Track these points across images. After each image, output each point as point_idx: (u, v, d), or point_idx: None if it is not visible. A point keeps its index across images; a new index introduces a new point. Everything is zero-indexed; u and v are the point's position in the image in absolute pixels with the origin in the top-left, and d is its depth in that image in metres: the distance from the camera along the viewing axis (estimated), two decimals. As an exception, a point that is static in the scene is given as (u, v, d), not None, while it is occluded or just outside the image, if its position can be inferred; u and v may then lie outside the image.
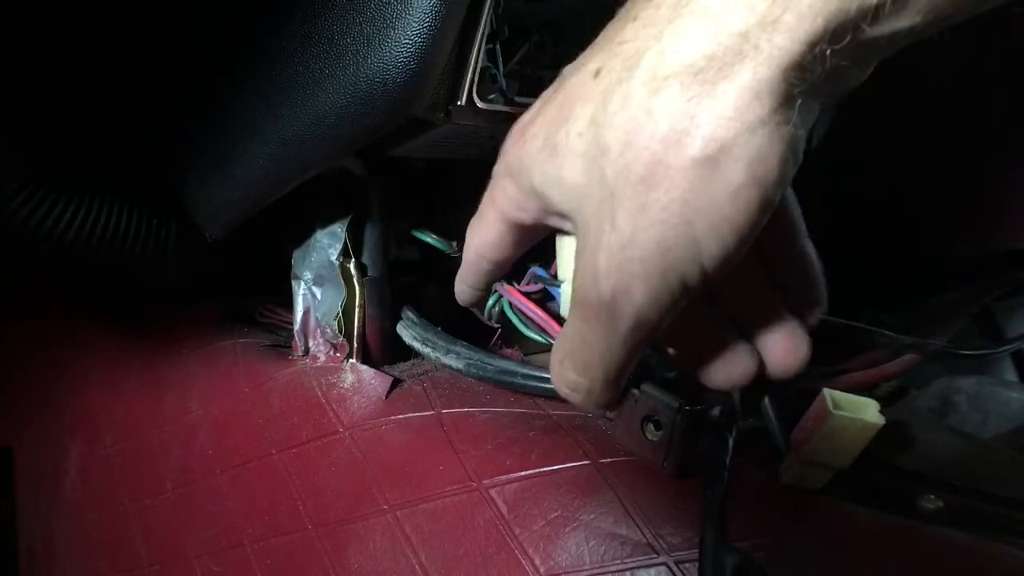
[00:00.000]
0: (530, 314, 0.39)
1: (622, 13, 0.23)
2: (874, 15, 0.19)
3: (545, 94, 0.26)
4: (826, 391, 0.29)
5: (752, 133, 0.20)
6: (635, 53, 0.21)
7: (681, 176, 0.20)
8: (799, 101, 0.20)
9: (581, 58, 0.25)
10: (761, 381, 0.28)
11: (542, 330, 0.39)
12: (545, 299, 0.39)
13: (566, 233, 0.29)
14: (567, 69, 0.26)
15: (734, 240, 0.21)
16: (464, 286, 0.34)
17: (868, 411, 0.28)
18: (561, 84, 0.25)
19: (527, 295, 0.39)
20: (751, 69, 0.19)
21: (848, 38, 0.19)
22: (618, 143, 0.21)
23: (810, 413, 0.29)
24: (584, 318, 0.24)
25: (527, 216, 0.27)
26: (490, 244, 0.30)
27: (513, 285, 0.40)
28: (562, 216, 0.26)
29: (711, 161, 0.20)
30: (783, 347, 0.28)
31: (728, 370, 0.27)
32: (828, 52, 0.19)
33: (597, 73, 0.23)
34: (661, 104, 0.20)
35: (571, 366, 0.26)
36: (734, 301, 0.28)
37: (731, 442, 0.29)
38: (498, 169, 0.28)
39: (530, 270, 0.39)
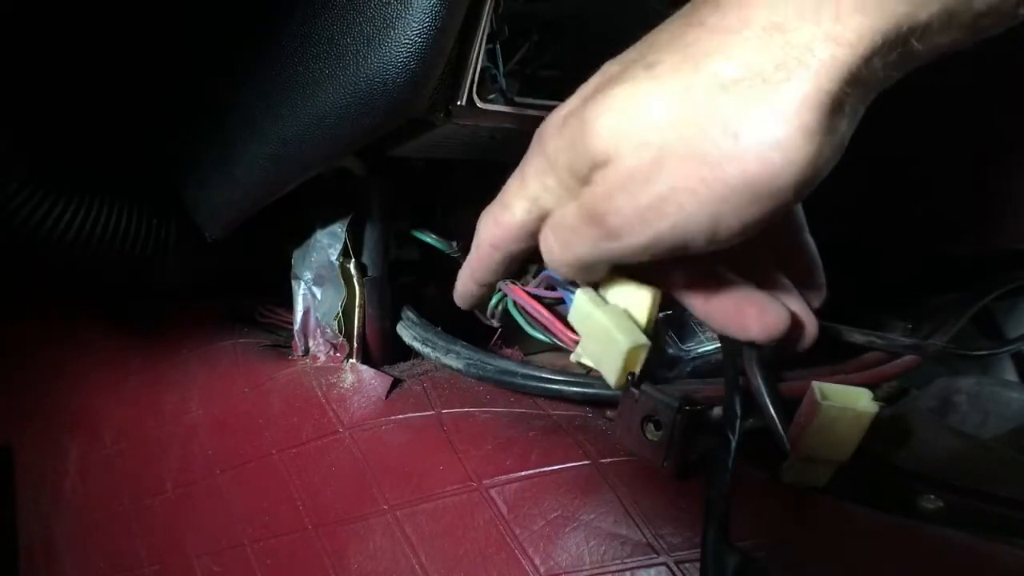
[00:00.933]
0: (535, 314, 0.38)
1: (680, 20, 0.25)
2: (923, 32, 0.21)
3: (584, 88, 0.28)
4: (815, 383, 0.28)
5: (806, 139, 0.22)
6: (703, 55, 0.23)
7: (730, 162, 0.22)
8: (848, 109, 0.22)
9: (627, 55, 0.26)
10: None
11: (547, 330, 0.39)
12: (555, 303, 0.39)
13: None
14: (609, 65, 0.27)
15: (755, 225, 0.24)
16: (470, 283, 0.34)
17: (860, 400, 0.28)
18: (603, 80, 0.27)
19: (539, 299, 0.39)
20: (813, 79, 0.21)
21: (898, 52, 0.21)
22: (675, 120, 0.23)
23: (802, 408, 0.29)
24: (583, 221, 0.27)
25: (557, 202, 0.28)
26: (510, 232, 0.31)
27: (518, 284, 0.40)
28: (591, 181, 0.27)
29: (763, 158, 0.22)
30: (802, 316, 0.30)
31: (764, 319, 0.29)
32: (880, 65, 0.21)
33: (651, 66, 0.24)
34: (728, 100, 0.22)
35: (555, 237, 0.29)
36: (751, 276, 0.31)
37: (734, 442, 0.29)
38: (532, 160, 0.29)
39: (544, 272, 0.39)
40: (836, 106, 0.22)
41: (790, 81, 0.21)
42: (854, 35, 0.21)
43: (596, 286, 0.34)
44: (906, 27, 0.21)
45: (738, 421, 0.29)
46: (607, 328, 0.31)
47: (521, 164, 0.30)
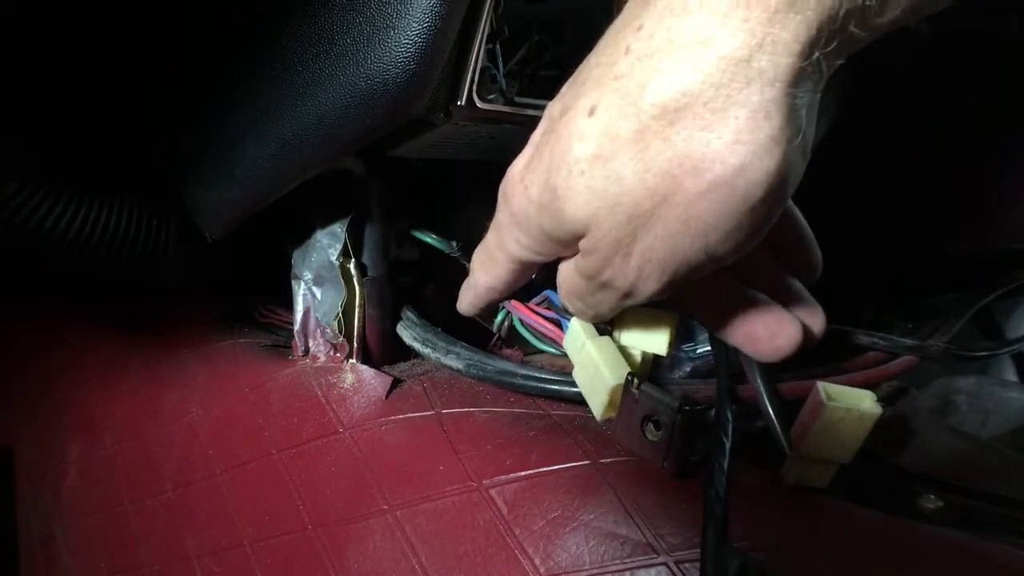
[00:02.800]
0: (541, 328, 0.39)
1: (607, 46, 0.24)
2: (861, 17, 0.20)
3: (533, 138, 0.28)
4: (819, 384, 0.29)
5: (766, 152, 0.21)
6: (637, 88, 0.22)
7: (699, 198, 0.22)
8: (801, 107, 0.21)
9: (566, 95, 0.26)
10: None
11: (555, 343, 0.39)
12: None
13: None
14: (552, 107, 0.27)
15: (747, 241, 0.23)
16: (469, 307, 0.36)
17: (864, 402, 0.28)
18: (550, 126, 0.26)
19: (544, 316, 0.39)
20: (758, 91, 0.20)
21: (837, 41, 0.20)
22: (634, 173, 0.22)
23: (805, 408, 0.29)
24: (595, 287, 0.27)
25: (542, 257, 0.29)
26: (501, 281, 0.32)
27: (519, 302, 0.40)
28: (570, 247, 0.27)
29: (729, 184, 0.21)
30: (809, 319, 0.30)
31: (775, 342, 0.29)
32: (822, 57, 0.20)
33: (592, 111, 0.23)
34: (677, 135, 0.21)
35: (574, 305, 0.30)
36: (752, 279, 0.31)
37: (727, 444, 0.29)
38: (502, 218, 0.29)
39: (544, 292, 0.40)
40: (788, 112, 0.21)
41: (734, 99, 0.20)
42: (789, 35, 0.20)
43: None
44: (842, 15, 0.19)
45: (730, 423, 0.29)
46: (596, 363, 0.32)
47: (494, 220, 0.30)
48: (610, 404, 0.32)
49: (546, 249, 0.28)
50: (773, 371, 0.31)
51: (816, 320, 0.30)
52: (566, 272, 0.29)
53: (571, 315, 0.34)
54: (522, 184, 0.27)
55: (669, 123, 0.21)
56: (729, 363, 0.33)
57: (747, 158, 0.21)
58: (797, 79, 0.20)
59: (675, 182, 0.22)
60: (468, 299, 0.35)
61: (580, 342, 0.33)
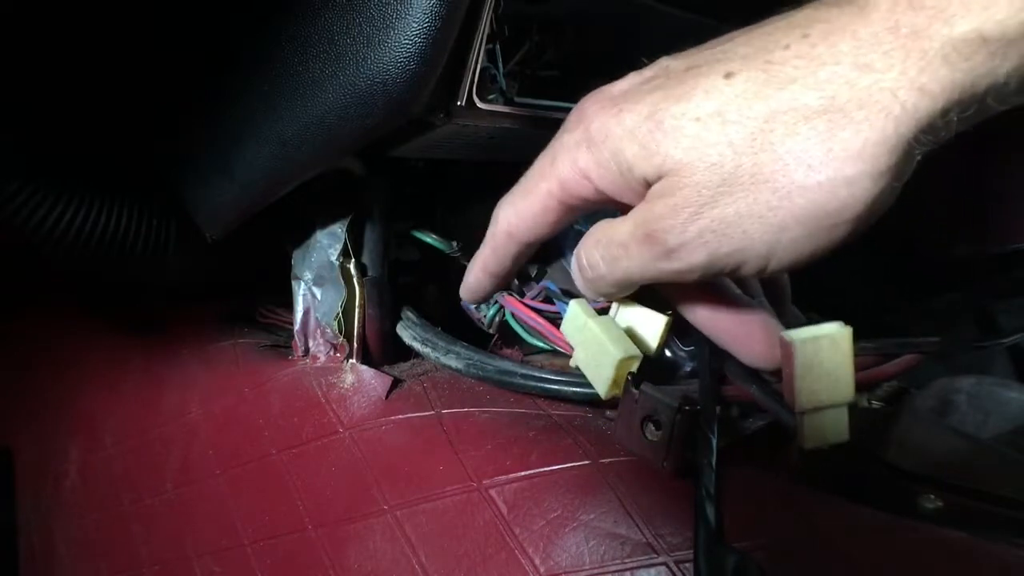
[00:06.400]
0: (532, 323, 0.39)
1: (760, 37, 0.25)
2: (999, 92, 0.21)
3: (636, 77, 0.28)
4: (782, 333, 0.28)
5: (874, 180, 0.22)
6: (786, 78, 0.23)
7: (798, 193, 0.23)
8: (916, 161, 0.23)
9: (691, 56, 0.26)
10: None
11: (545, 339, 0.39)
12: (552, 316, 0.39)
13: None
14: (666, 60, 0.27)
15: (806, 258, 0.24)
16: (481, 274, 0.34)
17: (826, 328, 0.27)
18: (666, 72, 0.26)
19: (539, 311, 0.39)
20: (893, 123, 0.22)
21: (974, 108, 0.22)
22: (751, 145, 0.23)
23: (783, 367, 0.28)
24: (638, 239, 0.26)
25: (592, 187, 0.28)
26: (528, 220, 0.30)
27: (514, 296, 0.40)
28: (632, 187, 0.26)
29: (832, 192, 0.22)
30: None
31: (773, 353, 0.29)
32: (955, 119, 0.22)
33: (730, 75, 0.24)
34: (807, 130, 0.22)
35: (601, 253, 0.28)
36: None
37: (714, 441, 0.28)
38: (567, 139, 0.28)
39: (540, 284, 0.40)
40: (907, 152, 0.22)
41: (871, 122, 0.22)
42: (938, 87, 0.21)
43: (607, 310, 0.34)
44: (984, 84, 0.21)
45: (716, 420, 0.29)
46: (599, 339, 0.31)
47: (550, 146, 0.29)
48: (615, 381, 0.31)
49: (605, 178, 0.27)
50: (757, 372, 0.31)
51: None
52: (604, 225, 0.28)
53: (567, 300, 0.34)
54: (616, 107, 0.26)
55: (803, 118, 0.22)
56: (712, 363, 0.32)
57: (858, 176, 0.22)
58: (928, 128, 0.22)
59: (785, 170, 0.23)
60: (478, 264, 0.33)
61: (581, 322, 0.32)
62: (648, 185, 0.26)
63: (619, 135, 0.26)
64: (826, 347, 0.27)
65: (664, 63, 0.27)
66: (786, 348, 0.27)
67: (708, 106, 0.24)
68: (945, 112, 0.21)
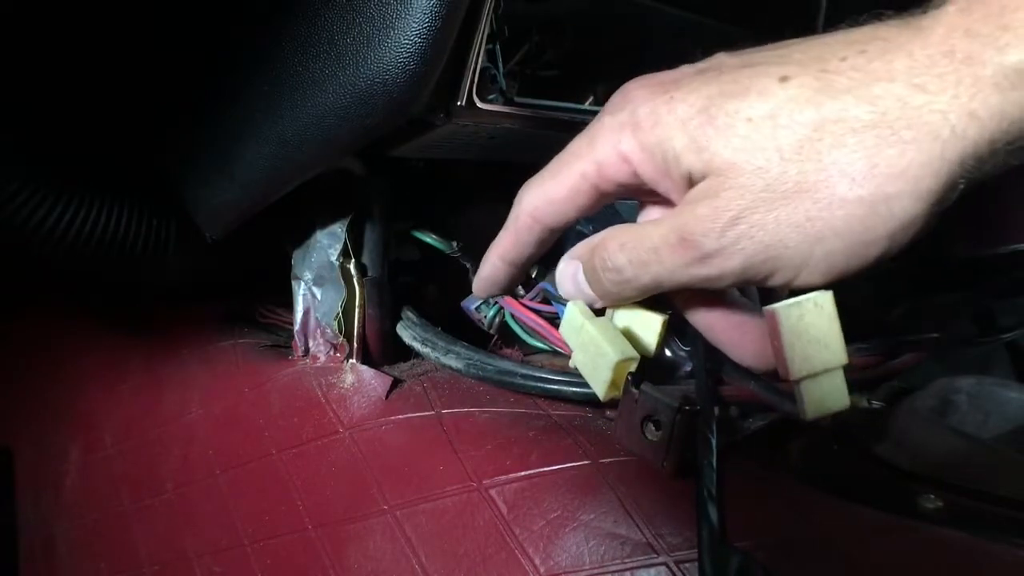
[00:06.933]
0: (534, 325, 0.39)
1: (817, 47, 0.25)
2: None
3: (690, 68, 0.27)
4: (765, 308, 0.27)
5: (915, 200, 0.22)
6: (839, 90, 0.23)
7: (838, 205, 0.23)
8: (960, 188, 0.23)
9: (748, 55, 0.26)
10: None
11: (544, 338, 0.39)
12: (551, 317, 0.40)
13: None
14: (722, 55, 0.27)
15: (838, 273, 0.24)
16: (499, 263, 0.32)
17: (810, 294, 0.27)
18: (721, 66, 0.26)
19: (538, 312, 0.39)
20: (940, 146, 0.22)
21: (1020, 143, 0.22)
22: (798, 152, 0.23)
23: (771, 342, 0.28)
24: (672, 244, 0.26)
25: (631, 172, 0.27)
26: (557, 203, 0.29)
27: (513, 297, 0.41)
28: (672, 178, 0.26)
29: (872, 207, 0.22)
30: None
31: (766, 353, 0.28)
32: (1002, 149, 0.22)
33: (785, 80, 0.24)
34: (854, 143, 0.22)
35: (629, 256, 0.28)
36: None
37: (714, 440, 0.28)
38: (608, 120, 0.27)
39: (539, 285, 0.40)
40: (951, 178, 0.22)
41: (918, 142, 0.22)
42: (987, 113, 0.21)
43: (604, 311, 0.34)
44: None
45: (714, 419, 0.29)
46: (596, 341, 0.31)
47: (589, 128, 0.28)
48: (613, 383, 0.31)
49: (647, 165, 0.26)
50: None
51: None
52: (628, 230, 0.28)
53: (566, 302, 0.34)
54: (668, 95, 0.26)
55: (851, 130, 0.22)
56: (708, 363, 0.32)
57: (899, 194, 0.22)
58: (974, 156, 0.22)
59: (828, 181, 0.23)
60: (496, 251, 0.32)
61: (578, 324, 0.32)
62: (689, 180, 0.26)
63: (670, 123, 0.25)
64: (810, 311, 0.27)
65: (720, 58, 0.27)
66: (772, 320, 0.27)
67: (762, 108, 0.24)
68: (992, 141, 0.21)
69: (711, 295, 0.30)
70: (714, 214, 0.24)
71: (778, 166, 0.23)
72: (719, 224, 0.24)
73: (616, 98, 0.28)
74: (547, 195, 0.29)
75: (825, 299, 0.27)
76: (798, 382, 0.27)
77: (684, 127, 0.25)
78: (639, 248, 0.27)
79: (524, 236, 0.31)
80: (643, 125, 0.26)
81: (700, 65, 0.27)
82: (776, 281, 0.25)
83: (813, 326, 0.27)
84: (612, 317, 0.33)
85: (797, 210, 0.23)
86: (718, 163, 0.24)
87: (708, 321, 0.30)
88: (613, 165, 0.27)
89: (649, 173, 0.27)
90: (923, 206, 0.22)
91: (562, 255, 0.32)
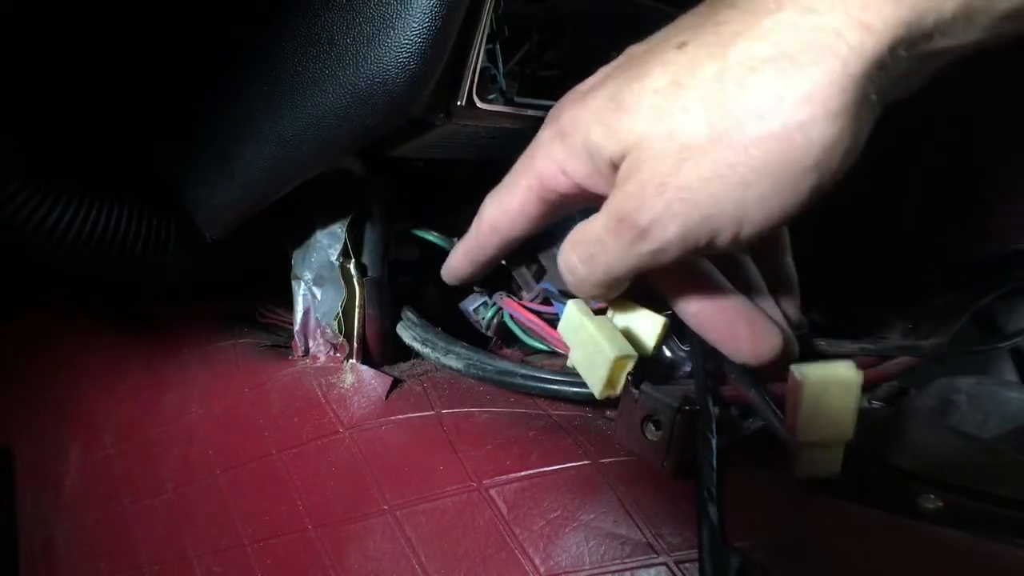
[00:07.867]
0: (532, 326, 0.39)
1: (713, 2, 0.25)
2: (947, 27, 0.21)
3: (606, 68, 0.28)
4: (792, 367, 0.28)
5: (829, 121, 0.22)
6: (733, 34, 0.23)
7: (755, 144, 0.23)
8: (873, 97, 0.22)
9: (653, 38, 0.27)
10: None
11: (543, 338, 0.39)
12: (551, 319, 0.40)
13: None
14: (635, 47, 0.28)
15: (777, 216, 0.24)
16: (463, 260, 0.35)
17: (840, 370, 0.28)
18: (628, 60, 0.27)
19: (538, 313, 0.40)
20: (841, 62, 0.21)
21: (923, 46, 0.22)
22: (703, 106, 0.23)
23: (787, 397, 0.28)
24: (611, 228, 0.26)
25: (567, 179, 0.28)
26: (510, 214, 0.31)
27: (513, 299, 0.41)
28: (602, 173, 0.27)
29: (787, 139, 0.22)
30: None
31: (757, 346, 0.29)
32: (905, 56, 0.22)
33: (682, 45, 0.24)
34: (755, 81, 0.22)
35: (578, 254, 0.29)
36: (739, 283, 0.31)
37: (713, 441, 0.28)
38: (543, 135, 0.29)
39: (540, 286, 0.40)
40: (861, 92, 0.22)
41: (817, 64, 0.22)
42: (881, 23, 0.21)
43: (605, 311, 0.34)
44: (931, 20, 0.21)
45: (714, 420, 0.29)
46: (595, 338, 0.31)
47: (530, 145, 0.30)
48: (610, 381, 0.31)
49: (579, 169, 0.27)
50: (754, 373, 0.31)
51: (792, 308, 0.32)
52: (580, 226, 0.29)
53: (565, 301, 0.34)
54: (583, 100, 0.27)
55: (751, 70, 0.22)
56: (707, 362, 0.32)
57: (811, 119, 0.22)
58: (877, 65, 0.21)
59: (737, 125, 0.23)
60: (460, 250, 0.34)
61: (577, 322, 0.32)
62: (616, 168, 0.26)
63: (587, 121, 0.26)
64: (835, 389, 0.27)
65: (630, 50, 0.28)
66: (794, 382, 0.28)
67: (664, 78, 0.24)
68: (892, 49, 0.21)
69: (700, 288, 0.30)
70: (640, 187, 0.25)
71: (688, 125, 0.23)
72: (647, 194, 0.25)
73: (550, 113, 0.29)
74: (502, 207, 0.31)
75: (853, 380, 0.27)
76: (799, 446, 0.28)
77: (597, 117, 0.26)
78: (586, 242, 0.28)
79: (484, 243, 0.33)
80: (567, 131, 0.27)
81: (614, 62, 0.28)
82: (723, 241, 0.25)
83: (834, 405, 0.27)
84: (613, 317, 0.34)
85: (717, 161, 0.23)
86: (633, 139, 0.25)
87: (697, 319, 0.30)
88: (552, 177, 0.29)
89: (583, 178, 0.28)
90: (840, 125, 0.22)
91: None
